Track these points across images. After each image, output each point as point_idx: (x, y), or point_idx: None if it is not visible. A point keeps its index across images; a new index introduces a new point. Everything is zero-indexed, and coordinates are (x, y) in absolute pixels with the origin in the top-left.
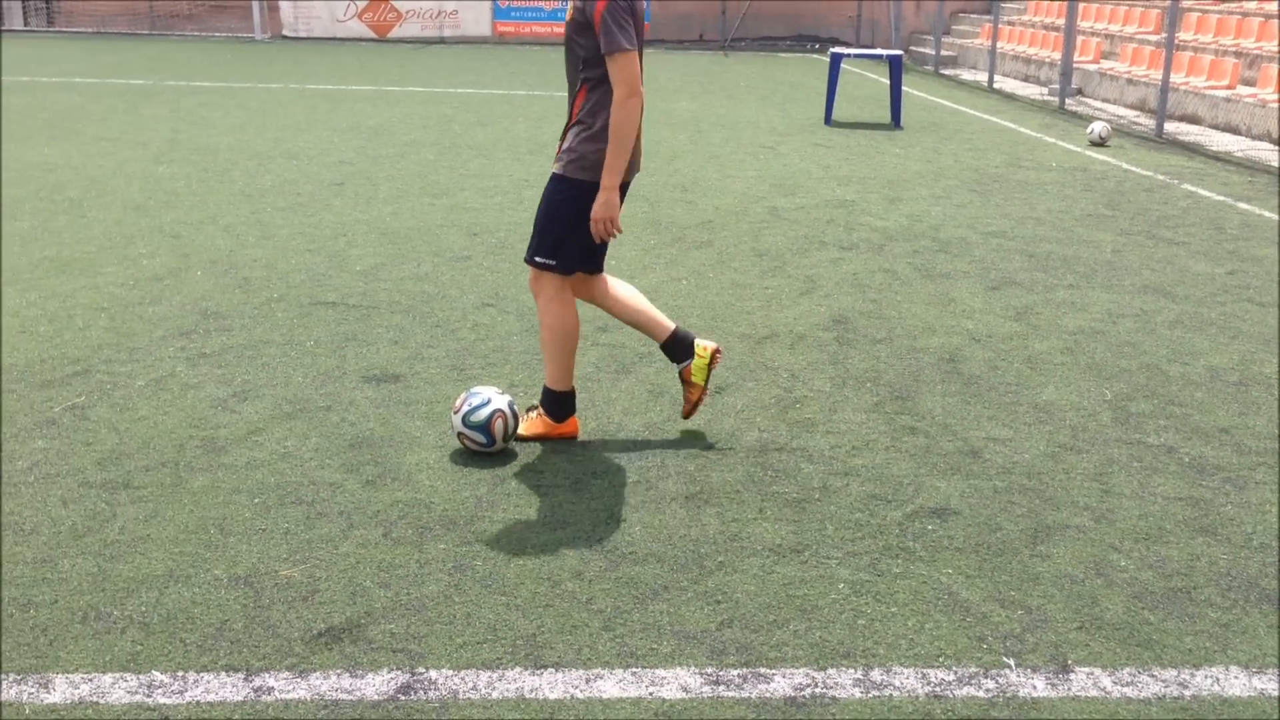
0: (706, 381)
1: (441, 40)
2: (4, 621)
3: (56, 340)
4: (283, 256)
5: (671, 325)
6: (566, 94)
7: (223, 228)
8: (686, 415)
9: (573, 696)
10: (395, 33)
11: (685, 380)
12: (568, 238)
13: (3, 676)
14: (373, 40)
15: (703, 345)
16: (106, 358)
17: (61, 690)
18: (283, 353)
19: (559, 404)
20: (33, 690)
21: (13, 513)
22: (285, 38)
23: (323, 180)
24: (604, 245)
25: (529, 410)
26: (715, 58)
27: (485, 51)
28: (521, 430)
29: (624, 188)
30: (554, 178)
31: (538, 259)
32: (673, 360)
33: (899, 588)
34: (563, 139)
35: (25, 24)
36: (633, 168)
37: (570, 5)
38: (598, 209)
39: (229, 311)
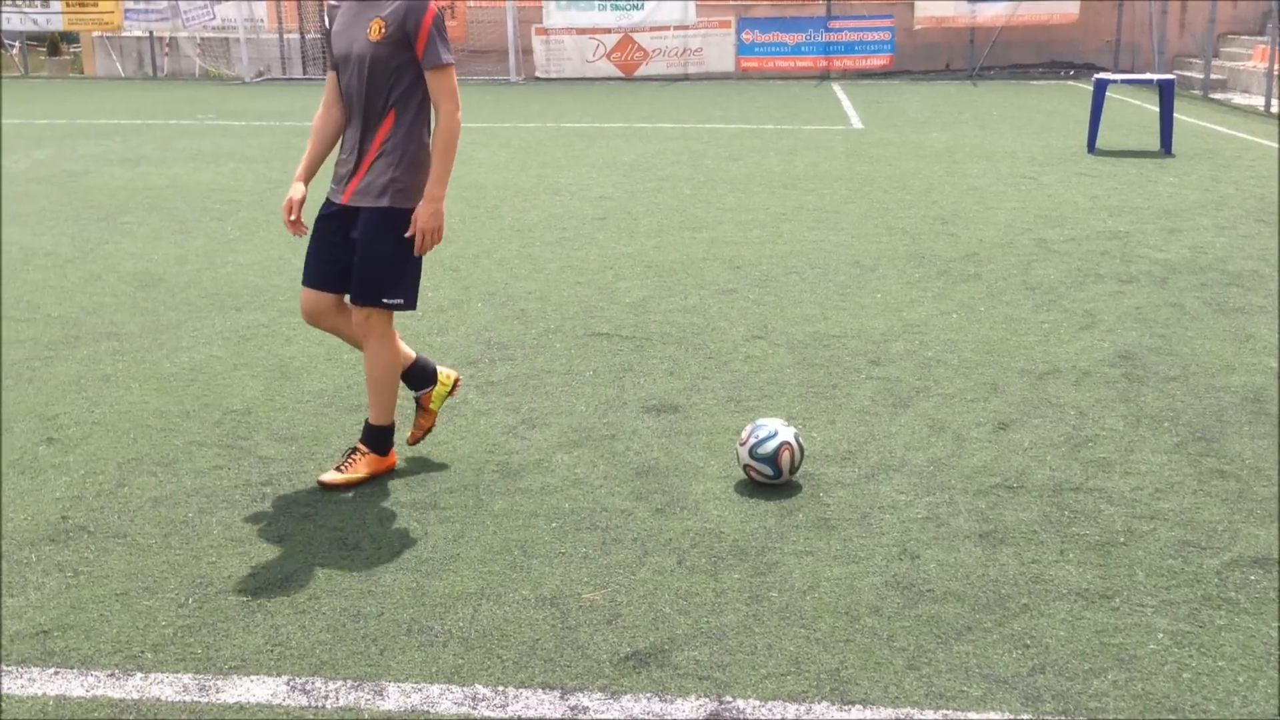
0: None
1: (686, 77)
2: (336, 631)
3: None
4: (555, 289)
5: (413, 353)
6: (353, 122)
7: (497, 261)
8: (413, 441)
9: None
10: (641, 71)
11: (422, 407)
12: (412, 271)
13: (3, 669)
14: (621, 79)
15: (445, 373)
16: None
17: (395, 698)
18: (564, 382)
19: (387, 438)
20: (369, 696)
21: (336, 529)
22: (538, 79)
23: (585, 215)
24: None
25: (348, 456)
26: (963, 87)
27: (730, 87)
28: (339, 479)
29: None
30: (380, 212)
31: (387, 301)
32: (411, 388)
33: (1225, 641)
34: (359, 171)
35: (304, 72)
36: None
37: (374, 23)
38: (429, 219)
39: (510, 342)
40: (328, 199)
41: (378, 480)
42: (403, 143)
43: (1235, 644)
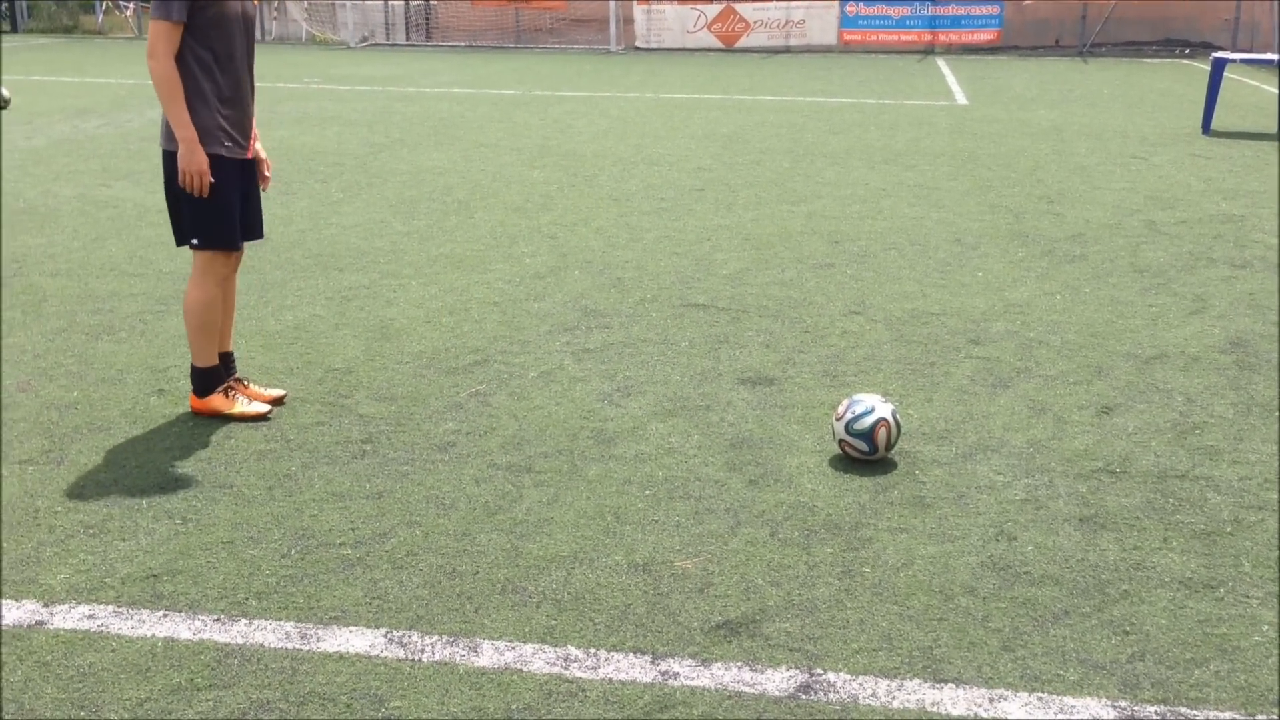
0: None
1: (788, 49)
2: (432, 587)
3: (457, 331)
4: (651, 259)
5: (229, 347)
6: (248, 77)
7: (594, 230)
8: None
9: (976, 715)
10: (743, 42)
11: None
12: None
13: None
14: (721, 50)
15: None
16: (501, 349)
17: (489, 655)
18: (659, 351)
19: (202, 380)
20: (463, 652)
21: (434, 487)
22: (638, 49)
23: (683, 186)
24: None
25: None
26: (1073, 64)
27: (831, 60)
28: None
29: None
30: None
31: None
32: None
33: None
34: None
35: (407, 38)
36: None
37: None
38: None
39: (606, 310)
40: (224, 156)
41: (477, 442)
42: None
43: None
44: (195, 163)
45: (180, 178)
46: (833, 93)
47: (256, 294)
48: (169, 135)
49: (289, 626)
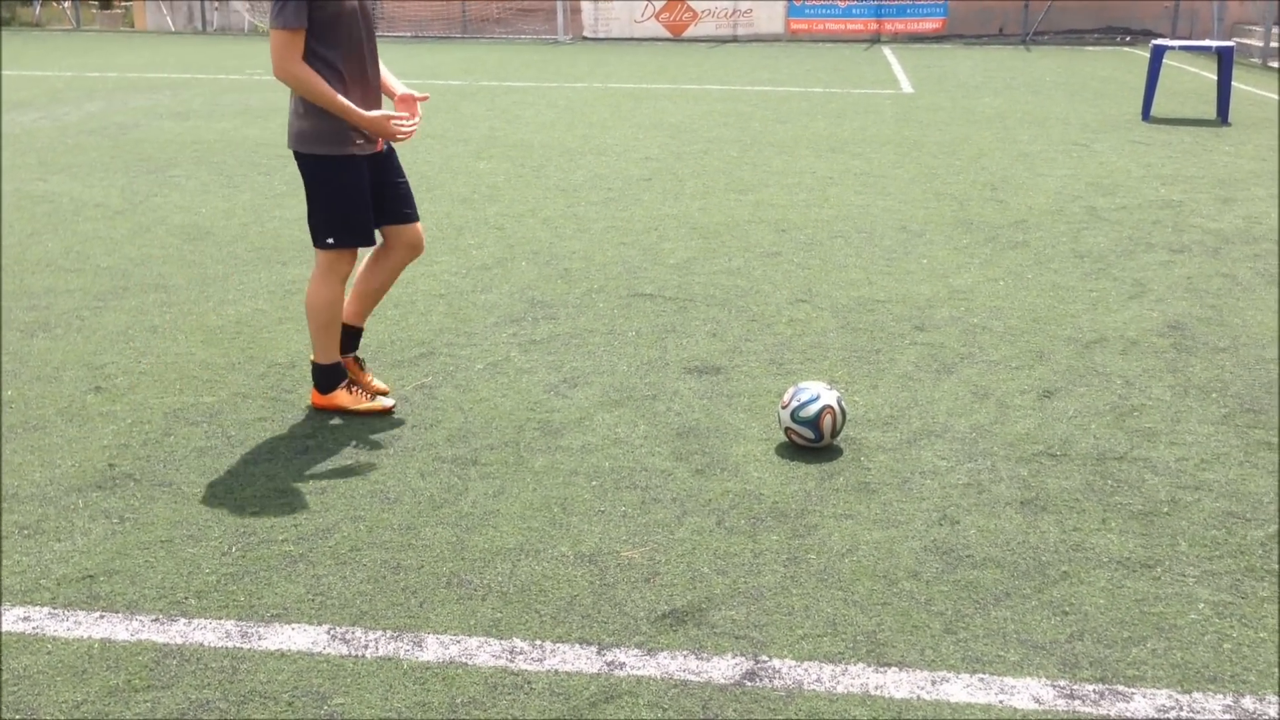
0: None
1: (735, 39)
2: (376, 582)
3: (403, 324)
4: (599, 249)
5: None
6: (373, 70)
7: (542, 220)
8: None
9: (919, 697)
10: (690, 32)
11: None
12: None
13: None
14: (669, 39)
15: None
16: (447, 341)
17: (433, 649)
18: (606, 342)
19: (324, 377)
20: (408, 647)
21: (378, 482)
22: (586, 39)
23: (631, 176)
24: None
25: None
26: (1016, 52)
27: (779, 49)
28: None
29: None
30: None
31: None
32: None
33: (1267, 612)
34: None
35: None
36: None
37: None
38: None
39: (554, 301)
40: (357, 155)
41: (422, 435)
42: None
43: (1277, 616)
44: (383, 129)
45: (393, 140)
46: (780, 82)
47: (197, 288)
48: (300, 136)
49: (229, 625)
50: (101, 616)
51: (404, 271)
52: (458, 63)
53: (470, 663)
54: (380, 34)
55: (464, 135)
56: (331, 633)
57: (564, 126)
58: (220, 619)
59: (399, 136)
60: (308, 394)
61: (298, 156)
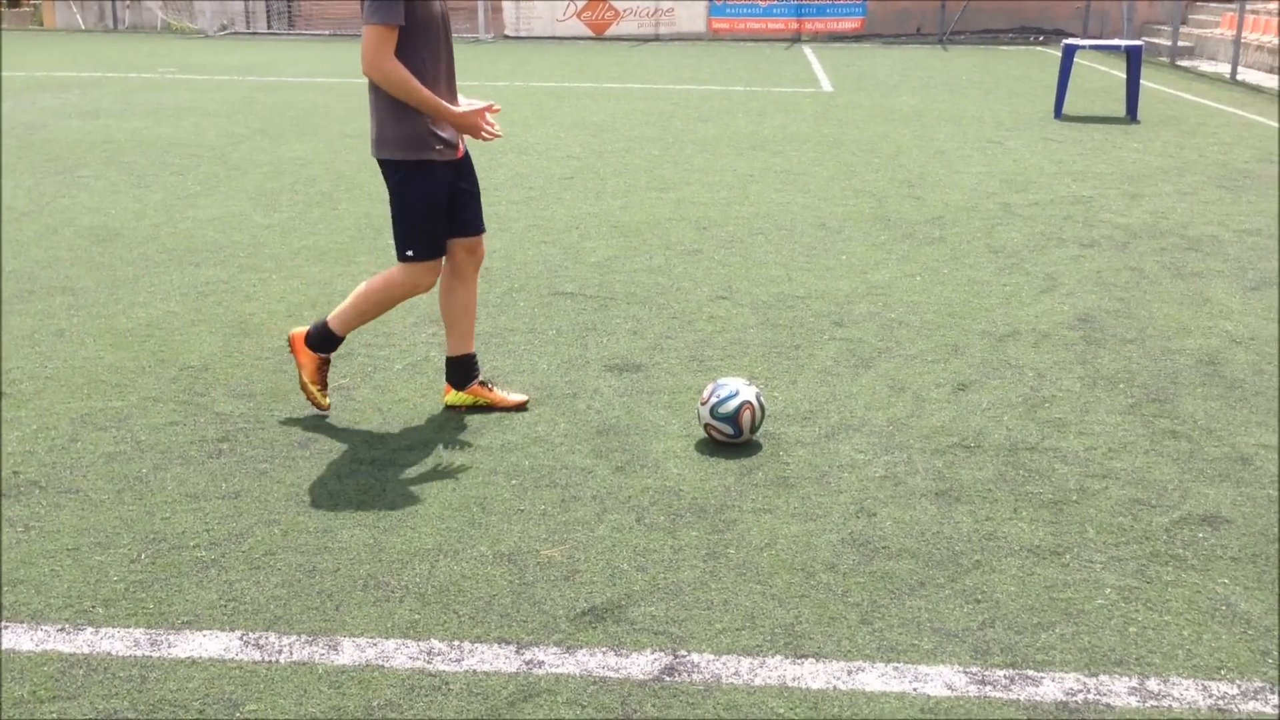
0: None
1: (657, 38)
2: (291, 586)
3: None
4: (520, 248)
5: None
6: (452, 77)
7: None
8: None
9: (835, 688)
10: (612, 31)
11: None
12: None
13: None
14: (591, 38)
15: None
16: (366, 342)
17: (349, 652)
18: (527, 341)
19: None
20: (323, 651)
21: (294, 485)
22: (508, 37)
23: (553, 175)
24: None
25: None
26: (933, 51)
27: (700, 48)
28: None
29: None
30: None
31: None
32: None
33: (1171, 596)
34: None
35: (269, 26)
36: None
37: None
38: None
39: None
40: (438, 161)
41: (339, 437)
42: None
43: (1181, 599)
44: (474, 124)
45: (478, 137)
46: (702, 80)
47: (106, 291)
48: (380, 143)
49: (138, 633)
50: (6, 627)
51: (321, 272)
52: None
53: (387, 665)
54: (298, 32)
55: None
56: (244, 639)
57: None
58: (129, 627)
59: (484, 136)
60: (220, 398)
61: (379, 163)
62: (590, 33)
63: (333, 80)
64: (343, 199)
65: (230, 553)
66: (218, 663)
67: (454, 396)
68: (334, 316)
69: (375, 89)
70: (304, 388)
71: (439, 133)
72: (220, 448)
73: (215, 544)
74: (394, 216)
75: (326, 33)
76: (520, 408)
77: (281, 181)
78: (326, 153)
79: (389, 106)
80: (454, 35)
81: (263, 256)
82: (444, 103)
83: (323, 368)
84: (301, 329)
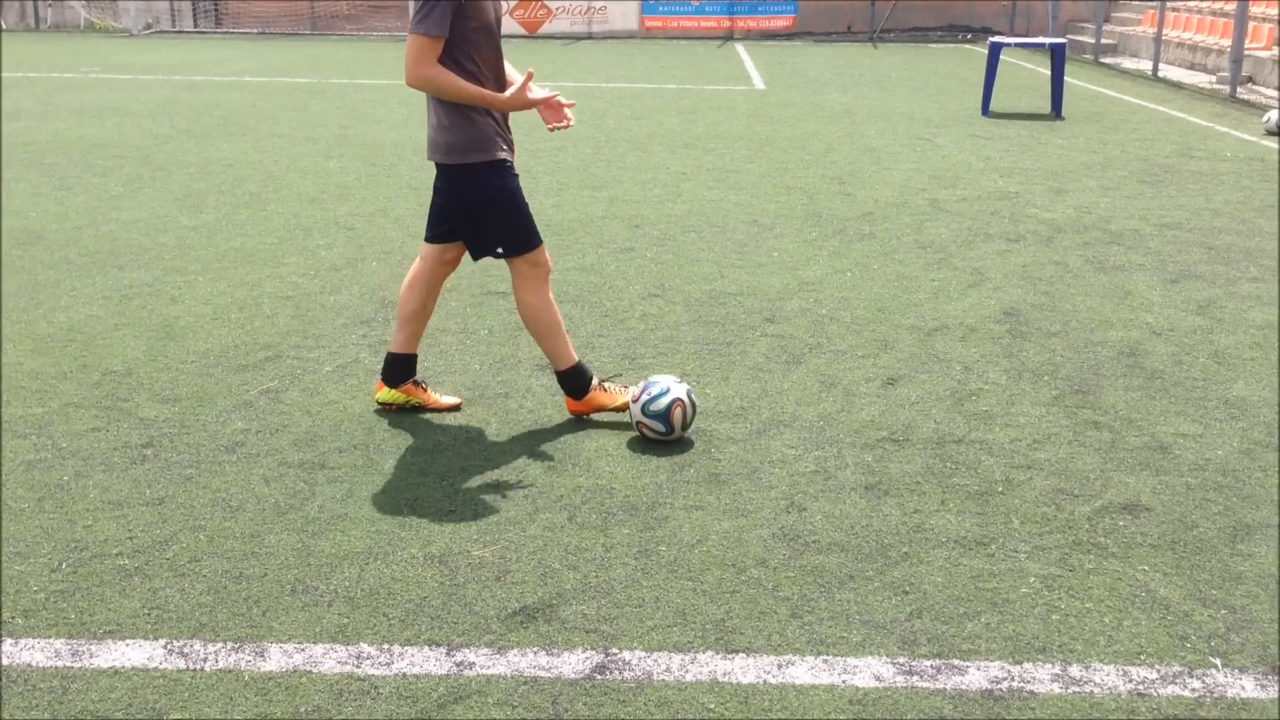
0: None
1: (590, 36)
2: (217, 593)
3: (247, 327)
4: None
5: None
6: (498, 82)
7: (393, 220)
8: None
9: (765, 682)
10: (545, 29)
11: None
12: None
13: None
14: (523, 36)
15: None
16: (295, 344)
17: (276, 658)
18: (458, 341)
19: (568, 380)
20: (249, 658)
21: (220, 490)
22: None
23: None
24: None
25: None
26: (864, 49)
27: (633, 46)
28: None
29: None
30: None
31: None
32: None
33: (1093, 584)
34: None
35: (195, 25)
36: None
37: None
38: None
39: None
40: (508, 161)
41: (267, 441)
42: None
43: (1103, 586)
44: (522, 102)
45: (547, 119)
46: (634, 79)
47: (26, 295)
48: (447, 149)
49: (59, 644)
50: None
51: (249, 273)
52: (306, 60)
53: (315, 670)
54: (225, 31)
55: (313, 134)
56: (168, 647)
57: (417, 125)
58: (49, 638)
59: (550, 119)
60: (145, 403)
61: (447, 170)
62: (523, 30)
63: (260, 79)
64: (271, 199)
65: (154, 560)
66: (141, 672)
67: (385, 394)
68: (553, 362)
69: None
70: (619, 409)
71: (501, 134)
72: (144, 453)
73: (139, 552)
74: (475, 221)
75: (254, 31)
76: (453, 409)
77: (208, 182)
78: (255, 153)
79: (452, 113)
80: (382, 34)
81: (188, 259)
82: (489, 92)
83: (607, 385)
84: (570, 401)
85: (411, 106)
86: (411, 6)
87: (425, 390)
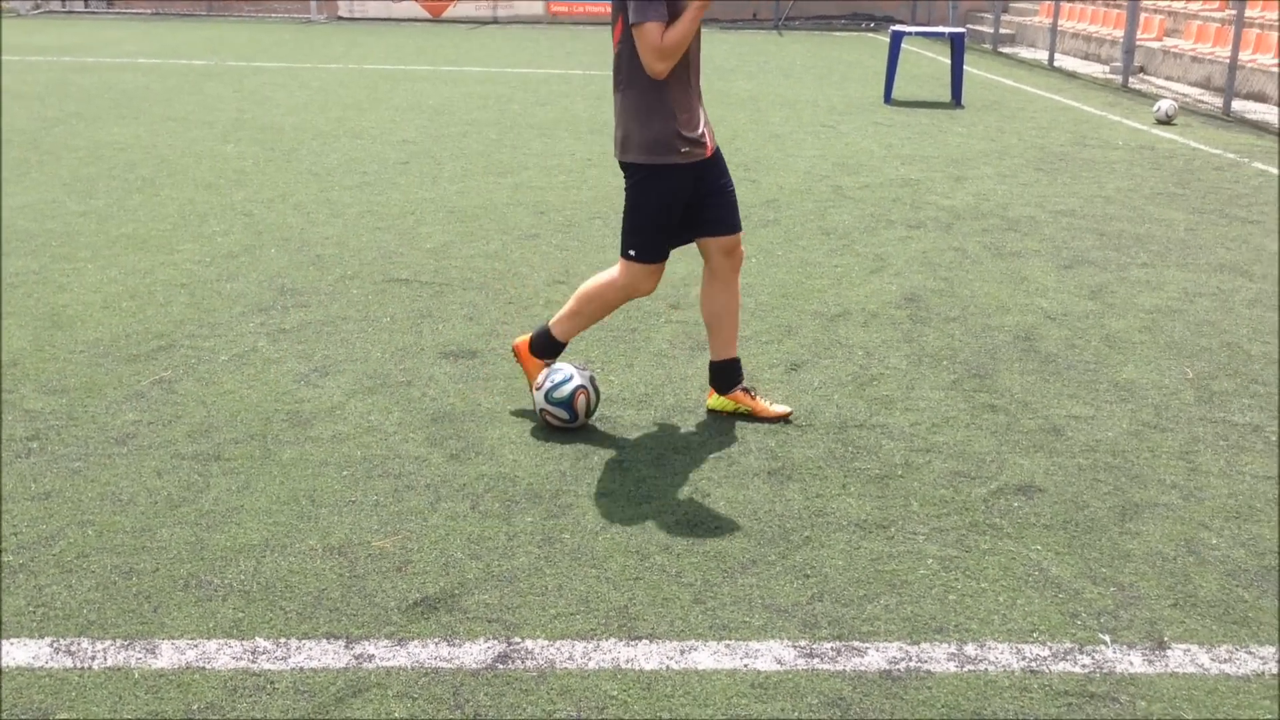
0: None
1: (495, 21)
2: (106, 589)
3: (139, 315)
4: (353, 234)
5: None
6: (694, 78)
7: (293, 206)
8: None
9: (668, 667)
10: (450, 13)
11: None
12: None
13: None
14: (427, 21)
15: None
16: (189, 333)
17: (168, 655)
18: (360, 329)
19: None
20: (140, 655)
21: (109, 483)
22: (341, 19)
23: (388, 159)
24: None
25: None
26: (769, 37)
27: (539, 32)
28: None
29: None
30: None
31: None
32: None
33: (988, 564)
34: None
35: (86, 5)
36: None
37: None
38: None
39: (305, 288)
40: (682, 165)
41: (160, 432)
42: None
43: (997, 567)
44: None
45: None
46: (540, 64)
47: None
48: (624, 144)
49: None
50: None
51: (141, 260)
52: (203, 41)
53: (209, 666)
54: (117, 11)
55: (209, 118)
56: (55, 645)
57: (317, 109)
58: None
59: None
60: (31, 394)
61: (623, 166)
62: (427, 15)
63: (154, 61)
64: (165, 184)
65: (40, 556)
66: (26, 671)
67: (716, 401)
68: (556, 321)
69: (625, 91)
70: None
71: (686, 134)
72: (29, 446)
73: (24, 548)
74: (626, 213)
75: (148, 11)
76: (783, 418)
77: (99, 167)
78: (148, 136)
79: (636, 110)
80: (283, 17)
81: (77, 245)
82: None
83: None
84: (524, 337)
85: (312, 90)
86: (630, 5)
87: (755, 397)
